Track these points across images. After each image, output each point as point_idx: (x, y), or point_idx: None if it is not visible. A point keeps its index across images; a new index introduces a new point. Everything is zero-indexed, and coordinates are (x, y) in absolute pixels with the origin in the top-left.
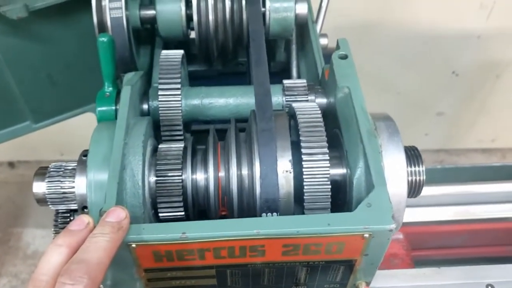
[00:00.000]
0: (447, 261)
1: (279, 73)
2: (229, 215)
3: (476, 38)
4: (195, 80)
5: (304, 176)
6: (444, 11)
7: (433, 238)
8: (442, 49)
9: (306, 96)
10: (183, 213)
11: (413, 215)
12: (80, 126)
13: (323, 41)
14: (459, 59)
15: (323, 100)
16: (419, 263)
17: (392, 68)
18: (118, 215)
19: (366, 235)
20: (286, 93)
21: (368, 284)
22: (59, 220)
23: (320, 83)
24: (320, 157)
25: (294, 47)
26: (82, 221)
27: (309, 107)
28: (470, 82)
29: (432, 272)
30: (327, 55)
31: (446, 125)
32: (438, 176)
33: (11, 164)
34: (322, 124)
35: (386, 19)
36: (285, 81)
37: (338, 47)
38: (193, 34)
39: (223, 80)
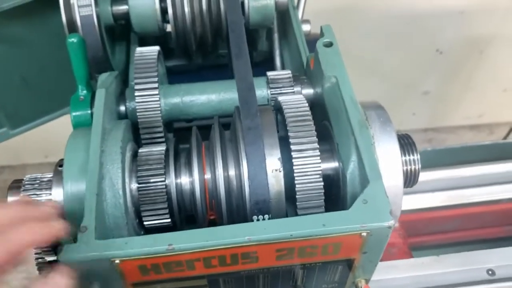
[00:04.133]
0: (444, 246)
1: (263, 63)
2: (218, 219)
3: (459, 14)
4: (175, 75)
5: (295, 174)
6: None
7: (429, 224)
8: (425, 28)
9: (292, 88)
10: (169, 220)
11: (407, 202)
12: (64, 127)
13: (306, 27)
14: (443, 36)
15: (309, 91)
16: (416, 249)
17: (375, 50)
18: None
19: (364, 234)
20: (271, 85)
21: (367, 281)
22: None
23: (305, 73)
24: (310, 153)
25: (276, 36)
26: None
27: (296, 100)
28: (455, 59)
29: (431, 261)
30: (311, 41)
31: (433, 104)
32: (429, 159)
33: None
34: (310, 118)
35: (366, 1)
36: (269, 73)
37: (322, 35)
38: (169, 28)
39: (204, 74)
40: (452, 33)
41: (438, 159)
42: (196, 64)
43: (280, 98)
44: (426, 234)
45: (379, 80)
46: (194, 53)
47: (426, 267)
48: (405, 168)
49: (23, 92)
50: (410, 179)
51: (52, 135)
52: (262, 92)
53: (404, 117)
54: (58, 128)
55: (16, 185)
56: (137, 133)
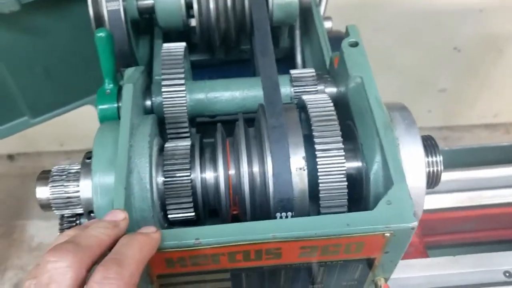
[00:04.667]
0: (460, 246)
1: (284, 60)
2: (241, 214)
3: (478, 11)
4: (197, 69)
5: (319, 174)
6: None
7: (445, 223)
8: (443, 25)
9: (315, 87)
10: (193, 213)
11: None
12: (79, 117)
13: (327, 24)
14: (461, 34)
15: (333, 90)
16: (432, 249)
17: (393, 46)
18: (116, 215)
19: (387, 234)
20: (294, 84)
21: (386, 280)
22: (65, 224)
23: (329, 71)
24: (335, 152)
25: (298, 33)
26: (95, 221)
27: (321, 99)
28: (472, 57)
29: (447, 261)
30: (332, 38)
31: (449, 102)
32: (446, 159)
33: (10, 157)
34: (335, 117)
35: None
36: (292, 71)
37: (347, 34)
38: (193, 22)
39: (226, 69)
40: (470, 31)
41: (454, 158)
42: (218, 59)
43: (305, 97)
44: (442, 234)
45: (395, 76)
46: (217, 48)
47: (442, 267)
48: (427, 169)
49: (44, 83)
50: (432, 180)
51: (68, 124)
52: (285, 90)
53: (419, 114)
54: (74, 117)
55: (44, 176)
56: (162, 128)
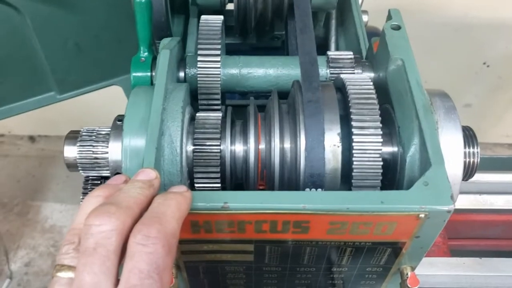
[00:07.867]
0: (484, 253)
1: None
2: (268, 189)
3: None
4: (227, 53)
5: (354, 151)
6: None
7: (471, 227)
8: (475, 39)
9: (353, 69)
10: (219, 185)
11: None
12: (102, 102)
13: (364, 18)
14: (492, 49)
15: (370, 74)
16: (455, 253)
17: (420, 55)
18: (148, 174)
19: (422, 216)
20: (331, 65)
21: (413, 269)
22: (89, 187)
23: (366, 58)
24: (372, 131)
25: (333, 22)
26: (119, 178)
27: (360, 78)
28: (502, 74)
29: (473, 262)
30: (367, 32)
31: (473, 118)
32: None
33: (31, 138)
34: (374, 96)
35: (419, 3)
36: (330, 53)
37: (390, 17)
38: (229, 6)
39: (256, 54)
40: (502, 47)
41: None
42: (249, 44)
43: (343, 76)
44: (468, 238)
45: None
46: (251, 31)
47: (467, 267)
48: (465, 159)
49: (75, 59)
50: (468, 172)
51: (90, 109)
52: (321, 71)
53: None
54: (96, 103)
55: (73, 136)
56: (193, 100)
